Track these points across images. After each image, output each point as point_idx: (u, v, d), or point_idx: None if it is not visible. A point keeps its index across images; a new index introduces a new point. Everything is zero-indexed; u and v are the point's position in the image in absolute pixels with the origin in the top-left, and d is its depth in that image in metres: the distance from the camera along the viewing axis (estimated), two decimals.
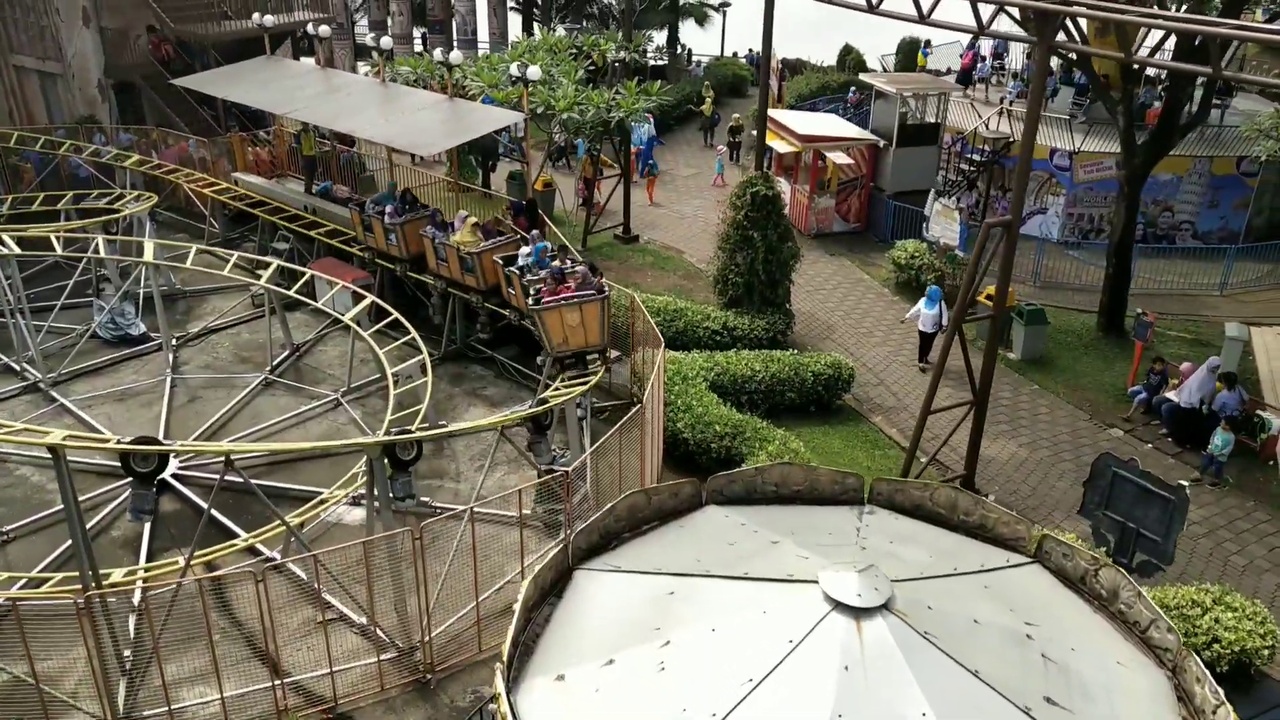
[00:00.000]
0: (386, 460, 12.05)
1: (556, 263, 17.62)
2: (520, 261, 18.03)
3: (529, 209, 20.69)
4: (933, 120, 27.90)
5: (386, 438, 11.73)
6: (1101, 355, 21.61)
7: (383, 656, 12.39)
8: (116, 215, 21.06)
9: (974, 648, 7.23)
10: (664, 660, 7.78)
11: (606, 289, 16.84)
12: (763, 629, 7.54)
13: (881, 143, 27.31)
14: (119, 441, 10.60)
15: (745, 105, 40.97)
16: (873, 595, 7.31)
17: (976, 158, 27.63)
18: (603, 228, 27.27)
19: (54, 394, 18.63)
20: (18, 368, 19.34)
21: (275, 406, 18.73)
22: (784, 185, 29.21)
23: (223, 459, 10.96)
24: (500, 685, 8.01)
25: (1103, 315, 22.12)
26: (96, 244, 19.02)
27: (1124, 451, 17.53)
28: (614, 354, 18.34)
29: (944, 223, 23.77)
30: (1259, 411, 17.89)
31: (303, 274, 20.19)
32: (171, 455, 16.19)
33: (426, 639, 12.41)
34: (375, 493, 12.18)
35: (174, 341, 20.34)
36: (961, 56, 33.91)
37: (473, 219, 19.30)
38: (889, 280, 25.16)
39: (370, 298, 18.59)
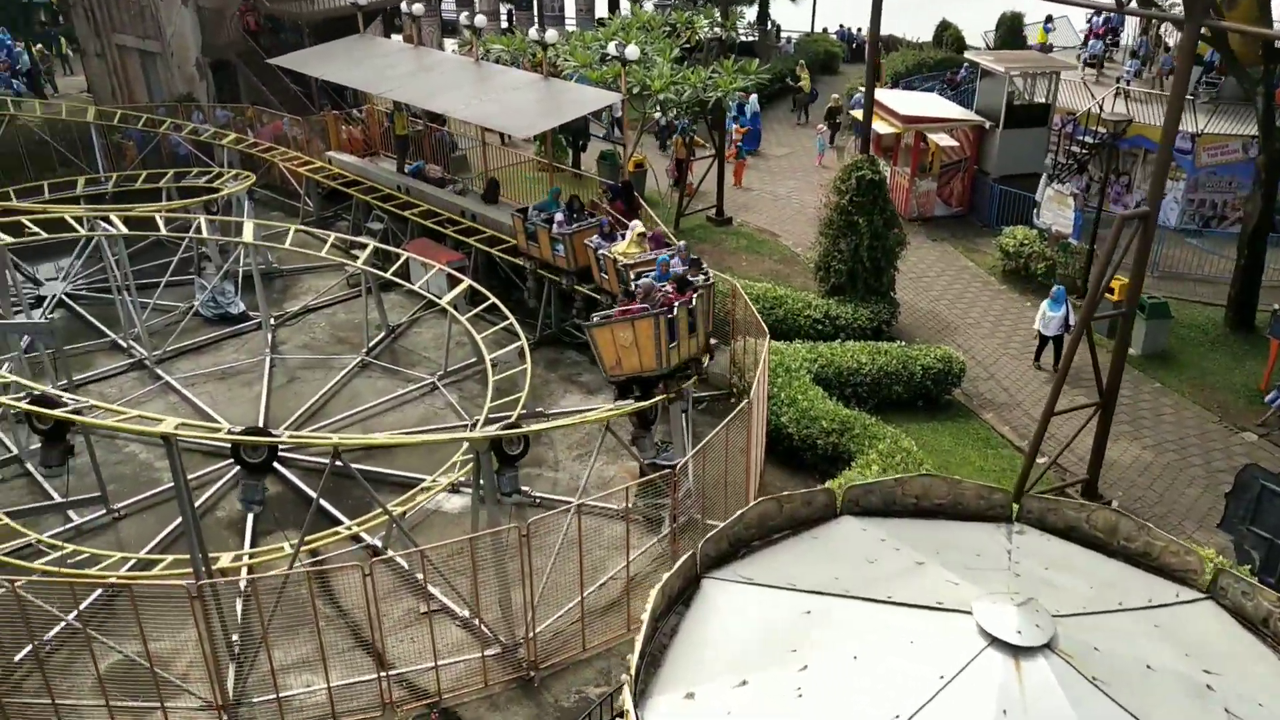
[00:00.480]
0: (493, 454, 11.76)
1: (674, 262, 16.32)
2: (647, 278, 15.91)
3: (625, 192, 20.25)
4: (1042, 100, 26.63)
5: (495, 432, 11.42)
6: (1230, 352, 20.38)
7: (486, 652, 12.16)
8: (217, 195, 21.17)
9: (1148, 698, 6.58)
10: (801, 686, 7.30)
11: (708, 278, 15.90)
12: (910, 661, 6.99)
13: (987, 124, 26.18)
14: (230, 432, 10.47)
15: (837, 83, 39.93)
16: (1034, 633, 6.71)
17: (1089, 140, 26.33)
18: (694, 210, 26.69)
19: (159, 371, 18.84)
20: (124, 345, 19.62)
21: (372, 389, 18.67)
22: (883, 167, 28.27)
23: (331, 451, 10.77)
24: (628, 700, 7.61)
25: (1231, 309, 20.86)
26: (198, 224, 19.10)
27: (1259, 458, 16.48)
28: (713, 342, 17.76)
29: (1057, 209, 22.68)
30: None
31: (397, 255, 20.12)
32: None
33: (530, 635, 12.15)
34: (481, 486, 11.91)
35: (272, 321, 20.42)
36: (1086, 33, 32.40)
37: (640, 227, 17.90)
38: (995, 268, 24.15)
39: (466, 281, 18.39)
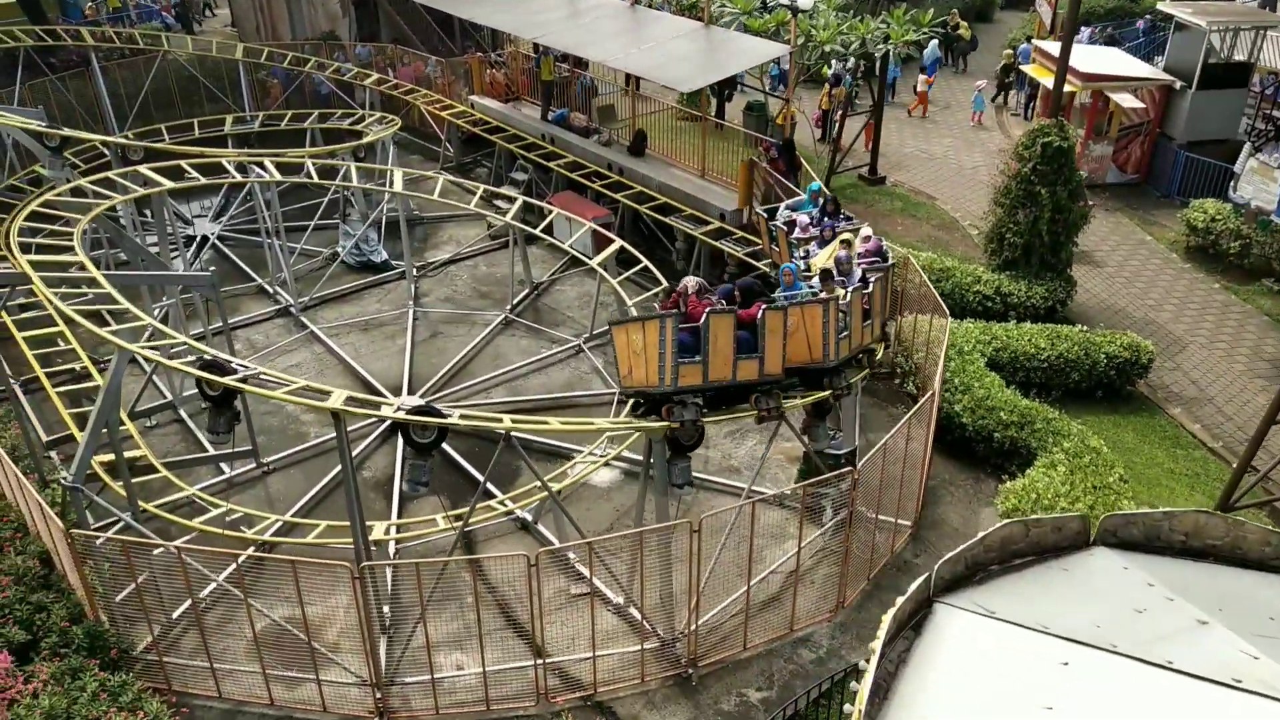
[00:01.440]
0: (667, 444, 10.99)
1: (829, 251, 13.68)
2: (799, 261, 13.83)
3: (788, 150, 19.05)
4: (1242, 58, 24.11)
5: (669, 423, 10.63)
6: None
7: (645, 645, 11.54)
8: (364, 141, 20.81)
9: None
10: None
11: (887, 256, 13.83)
12: None
13: (1178, 84, 23.85)
14: (398, 410, 9.95)
15: (993, 31, 37.46)
16: None
17: None
18: (846, 168, 25.26)
19: (304, 320, 18.70)
20: (270, 290, 19.55)
21: (516, 348, 18.16)
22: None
23: (502, 434, 10.17)
24: None
25: None
26: (348, 170, 18.74)
27: None
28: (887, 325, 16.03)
29: (1259, 182, 20.53)
30: None
31: (542, 209, 19.45)
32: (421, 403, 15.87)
33: (692, 629, 11.47)
34: (651, 474, 11.19)
35: (415, 272, 20.05)
36: None
37: (848, 234, 14.16)
38: (1178, 244, 22.13)
39: (618, 242, 17.59)
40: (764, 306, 11.18)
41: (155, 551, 10.67)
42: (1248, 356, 18.25)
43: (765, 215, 15.51)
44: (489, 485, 14.13)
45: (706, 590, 11.72)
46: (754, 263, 18.01)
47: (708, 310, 10.84)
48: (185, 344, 11.18)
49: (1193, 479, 15.12)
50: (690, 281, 11.82)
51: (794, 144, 19.36)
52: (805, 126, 27.01)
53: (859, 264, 13.37)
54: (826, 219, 14.62)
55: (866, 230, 14.45)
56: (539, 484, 13.20)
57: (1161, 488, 14.79)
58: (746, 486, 13.32)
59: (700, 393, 11.06)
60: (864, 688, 6.91)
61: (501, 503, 13.19)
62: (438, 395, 16.44)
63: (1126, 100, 23.79)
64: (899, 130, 28.70)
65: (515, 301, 19.20)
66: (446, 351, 17.91)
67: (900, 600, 7.38)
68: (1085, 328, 17.33)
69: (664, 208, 20.06)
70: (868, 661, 7.45)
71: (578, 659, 11.41)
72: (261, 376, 10.55)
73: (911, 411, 12.64)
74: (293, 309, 18.92)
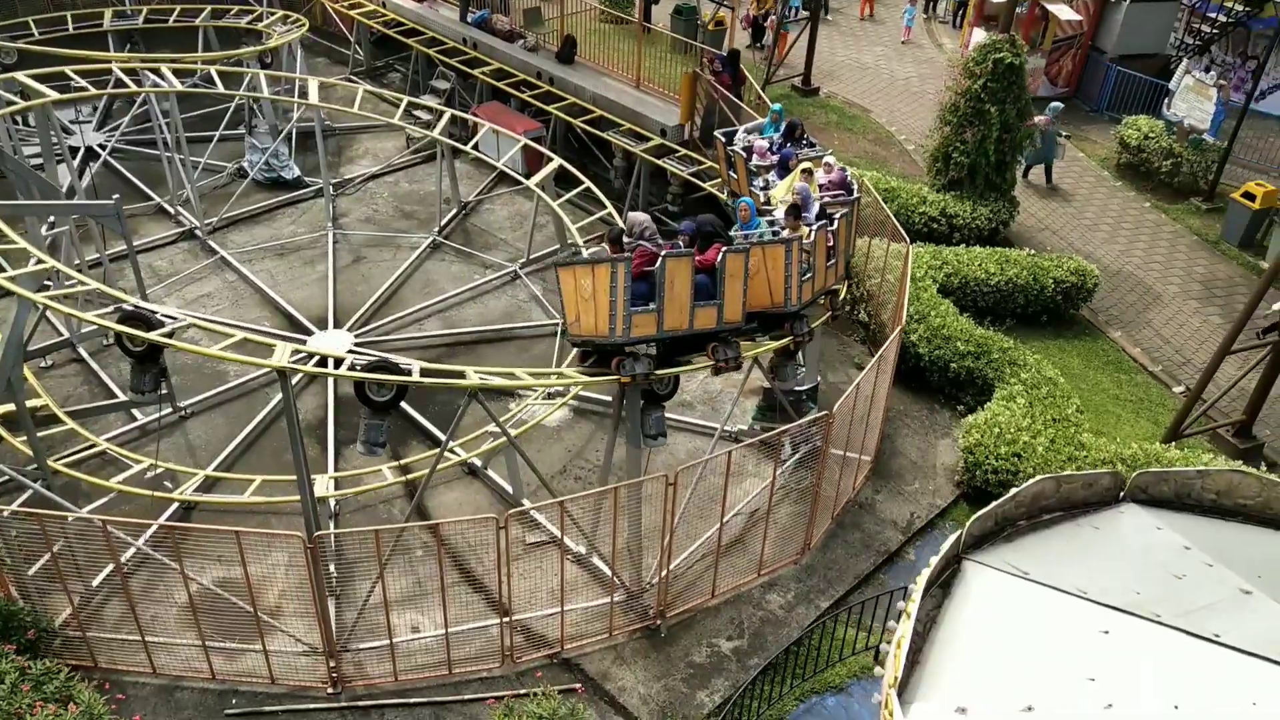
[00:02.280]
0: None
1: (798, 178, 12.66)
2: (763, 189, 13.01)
3: (733, 62, 18.05)
4: None
5: (645, 371, 9.91)
6: None
7: (613, 597, 11.05)
8: (270, 45, 18.92)
9: None
10: None
11: (853, 189, 12.89)
12: None
13: None
14: (354, 367, 8.96)
15: None
16: None
17: (1222, 18, 23.79)
18: (779, 78, 24.34)
19: (212, 244, 17.16)
20: (172, 211, 17.85)
21: (446, 274, 17.06)
22: (981, 39, 25.69)
23: (466, 390, 9.31)
24: (895, 707, 6.37)
25: None
26: (256, 79, 17.00)
27: None
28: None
29: (1195, 100, 20.49)
30: None
31: (467, 121, 18.13)
32: (350, 337, 14.80)
33: (663, 576, 10.98)
34: (625, 426, 10.52)
35: (332, 190, 18.56)
36: None
37: (820, 177, 13.03)
38: (1109, 161, 22.12)
39: (556, 160, 16.49)
40: (723, 250, 10.34)
41: (70, 520, 9.60)
42: (1180, 278, 18.41)
43: (723, 140, 14.58)
44: (434, 430, 13.33)
45: (673, 539, 11.25)
46: (699, 183, 17.18)
47: (663, 254, 9.92)
48: (98, 289, 9.84)
49: (1138, 405, 15.24)
50: (638, 218, 10.93)
51: (739, 55, 18.35)
52: (738, 32, 25.84)
53: (820, 197, 12.68)
54: (789, 144, 13.80)
55: (830, 159, 13.66)
56: (490, 429, 12.45)
57: (1109, 414, 14.85)
58: (719, 428, 12.79)
59: (654, 343, 10.33)
60: (894, 662, 6.52)
61: (453, 451, 12.34)
62: (367, 329, 15.35)
63: (1064, 12, 23.39)
64: (828, 38, 27.78)
65: (444, 223, 17.97)
66: (371, 279, 16.71)
67: (934, 560, 6.99)
68: (1032, 251, 17.14)
69: (599, 121, 18.92)
70: (897, 621, 7.06)
71: (543, 615, 10.87)
72: (192, 328, 9.38)
73: (880, 352, 12.19)
74: (199, 232, 17.32)
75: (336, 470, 12.76)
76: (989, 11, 25.89)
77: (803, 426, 11.25)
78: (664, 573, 10.88)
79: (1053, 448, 12.75)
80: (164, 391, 11.72)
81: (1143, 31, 23.65)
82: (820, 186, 12.95)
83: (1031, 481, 7.28)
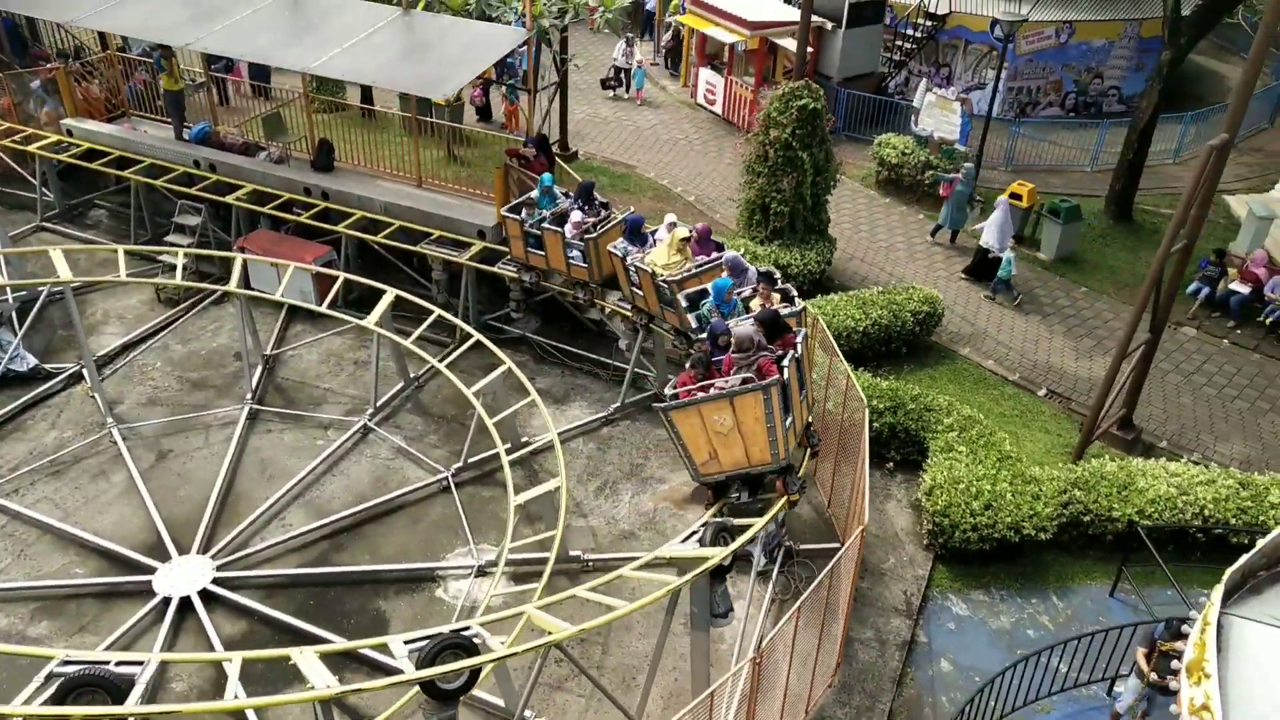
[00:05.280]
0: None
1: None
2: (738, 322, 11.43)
3: (543, 144, 16.71)
4: None
5: (789, 496, 8.72)
6: (1123, 245, 20.96)
7: None
8: None
9: None
10: None
11: (793, 304, 12.07)
12: None
13: (829, 25, 24.74)
14: (421, 658, 6.68)
15: None
16: None
17: (918, 35, 25.86)
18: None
19: None
20: None
21: (282, 447, 14.22)
22: (711, 78, 26.18)
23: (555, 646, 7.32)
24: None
25: (1114, 202, 21.39)
26: None
27: (1209, 354, 17.39)
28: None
29: (941, 115, 21.93)
30: None
31: (229, 258, 15.42)
32: (209, 563, 11.88)
33: None
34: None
35: (94, 376, 14.87)
36: None
37: (683, 231, 13.14)
38: (868, 179, 23.20)
39: (392, 292, 14.34)
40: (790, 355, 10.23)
41: None
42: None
43: (513, 215, 14.75)
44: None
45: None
46: (550, 285, 15.63)
47: (789, 355, 10.11)
48: None
49: (1026, 419, 15.80)
50: (741, 331, 10.11)
51: (547, 138, 17.01)
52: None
53: (695, 261, 12.94)
54: (584, 209, 14.31)
55: (671, 217, 13.84)
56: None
57: (1009, 433, 15.23)
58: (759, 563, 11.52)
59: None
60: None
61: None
62: (222, 546, 12.32)
63: (791, 44, 24.21)
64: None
65: (254, 385, 14.99)
66: (192, 476, 13.53)
67: (1208, 615, 6.47)
68: (882, 288, 17.34)
69: (399, 234, 16.77)
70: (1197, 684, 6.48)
71: None
72: None
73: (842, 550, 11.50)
74: None
75: None
76: (710, 50, 26.44)
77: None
78: None
79: (1014, 487, 12.77)
80: None
81: (858, 55, 25.11)
82: (684, 240, 13.12)
83: (1276, 532, 7.08)
